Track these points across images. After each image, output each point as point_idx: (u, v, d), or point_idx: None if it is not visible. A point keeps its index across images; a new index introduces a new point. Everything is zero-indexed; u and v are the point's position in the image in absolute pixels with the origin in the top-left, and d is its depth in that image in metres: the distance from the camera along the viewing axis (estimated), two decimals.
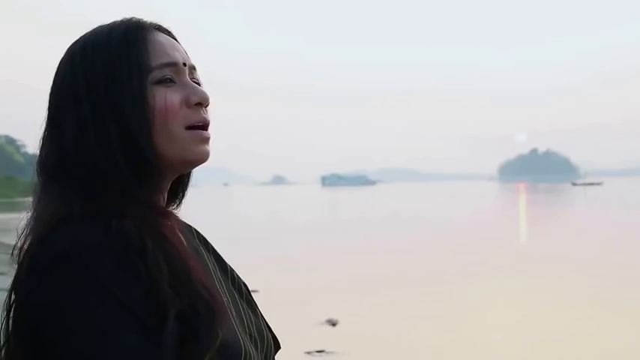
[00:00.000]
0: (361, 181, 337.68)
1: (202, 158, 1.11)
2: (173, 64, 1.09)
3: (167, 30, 1.15)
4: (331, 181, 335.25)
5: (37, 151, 1.09)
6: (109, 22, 1.12)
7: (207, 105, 1.12)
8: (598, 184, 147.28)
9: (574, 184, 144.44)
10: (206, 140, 1.10)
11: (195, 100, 1.09)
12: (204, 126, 1.10)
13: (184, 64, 1.11)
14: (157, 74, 1.07)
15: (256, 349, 1.11)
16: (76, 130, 1.04)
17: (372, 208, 57.56)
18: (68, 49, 1.11)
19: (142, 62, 1.06)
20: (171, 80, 1.08)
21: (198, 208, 49.56)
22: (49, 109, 1.09)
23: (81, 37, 1.11)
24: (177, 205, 1.22)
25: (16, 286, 1.00)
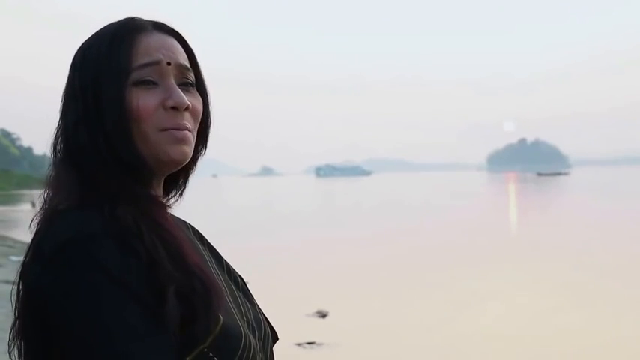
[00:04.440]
0: (356, 171, 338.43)
1: (177, 159, 1.10)
2: (154, 64, 1.09)
3: (169, 29, 1.15)
4: (326, 171, 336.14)
5: (53, 140, 1.13)
6: (114, 21, 1.14)
7: (187, 109, 1.11)
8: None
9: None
10: (181, 140, 1.09)
11: (169, 104, 1.08)
12: (180, 129, 1.09)
13: (168, 64, 1.10)
14: (135, 75, 1.07)
15: (254, 336, 1.12)
16: (73, 126, 1.09)
17: (373, 199, 57.42)
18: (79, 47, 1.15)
19: (123, 64, 1.07)
20: (152, 82, 1.08)
21: (196, 202, 49.44)
22: (61, 102, 1.13)
23: (89, 37, 1.15)
24: (178, 198, 1.24)
25: (22, 273, 1.03)
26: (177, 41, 1.15)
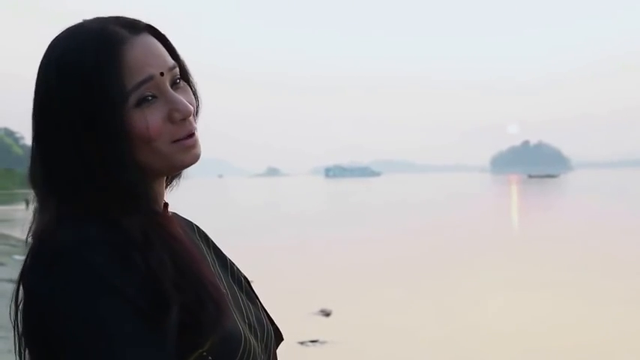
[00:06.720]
0: (365, 172, 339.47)
1: (191, 162, 1.09)
2: (149, 80, 1.03)
3: (143, 25, 1.08)
4: (335, 172, 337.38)
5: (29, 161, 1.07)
6: (80, 28, 1.05)
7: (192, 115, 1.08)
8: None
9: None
10: (192, 147, 1.08)
11: (178, 117, 1.05)
12: (191, 136, 1.08)
13: (162, 74, 1.05)
14: (134, 97, 1.02)
15: (256, 338, 1.12)
16: (58, 149, 1.03)
17: (388, 199, 57.67)
18: (45, 54, 1.06)
19: (117, 88, 1.01)
20: (152, 96, 1.04)
21: (213, 202, 49.64)
22: (33, 118, 1.06)
23: (57, 44, 1.05)
24: (177, 182, 1.21)
25: (22, 281, 1.02)
26: (154, 36, 1.08)
